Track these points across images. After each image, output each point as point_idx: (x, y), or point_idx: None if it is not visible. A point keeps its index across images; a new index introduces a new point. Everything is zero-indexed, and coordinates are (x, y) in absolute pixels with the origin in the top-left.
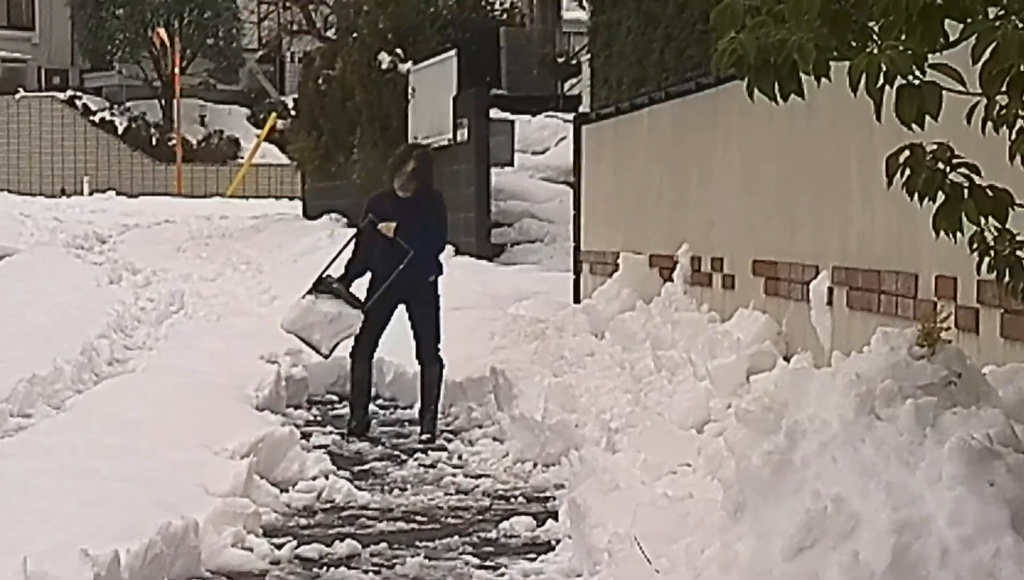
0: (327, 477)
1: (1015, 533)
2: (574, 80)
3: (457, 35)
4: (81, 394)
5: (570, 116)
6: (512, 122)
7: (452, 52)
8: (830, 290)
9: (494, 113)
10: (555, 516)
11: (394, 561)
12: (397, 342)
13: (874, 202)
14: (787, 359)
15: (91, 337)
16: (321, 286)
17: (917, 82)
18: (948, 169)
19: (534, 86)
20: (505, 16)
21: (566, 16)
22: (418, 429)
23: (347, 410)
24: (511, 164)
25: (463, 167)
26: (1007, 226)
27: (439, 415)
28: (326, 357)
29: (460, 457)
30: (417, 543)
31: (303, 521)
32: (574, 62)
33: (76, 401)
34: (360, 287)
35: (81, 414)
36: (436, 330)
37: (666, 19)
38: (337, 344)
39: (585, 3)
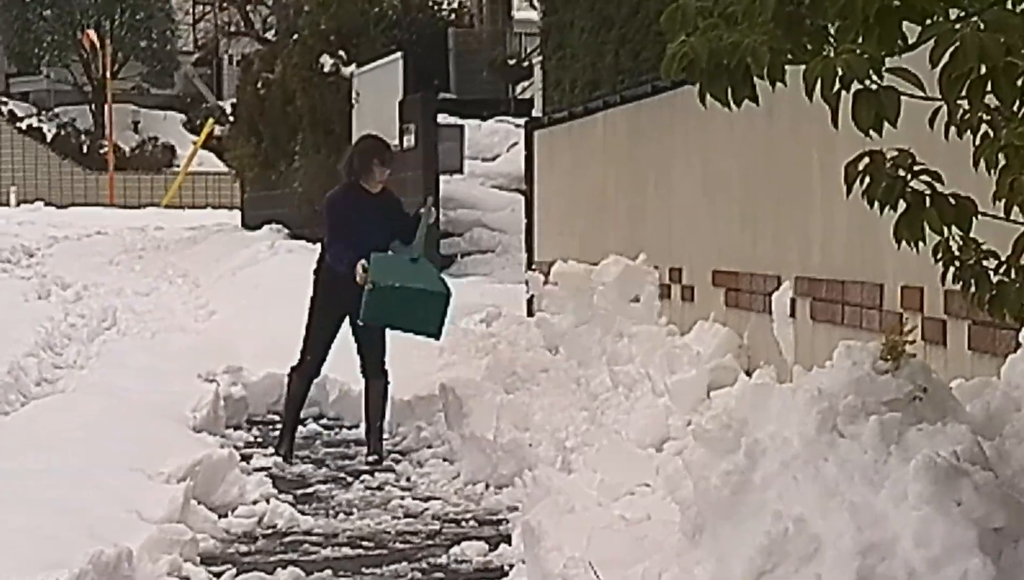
0: (268, 501)
1: (983, 554)
2: (525, 83)
3: (403, 36)
4: (7, 416)
5: (522, 121)
6: (461, 127)
7: (398, 54)
8: (793, 301)
9: (442, 118)
10: (508, 540)
11: None
12: (340, 358)
13: (836, 210)
14: (749, 374)
15: (18, 356)
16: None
17: (874, 87)
18: (909, 176)
19: (484, 89)
20: (453, 16)
21: (517, 16)
22: (364, 450)
23: None
24: (460, 171)
25: (410, 174)
26: (971, 235)
27: (385, 434)
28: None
29: (408, 479)
30: (363, 570)
31: (243, 548)
32: (525, 64)
33: (2, 423)
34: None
35: (6, 437)
36: (382, 342)
37: (620, 20)
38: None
39: (536, 3)
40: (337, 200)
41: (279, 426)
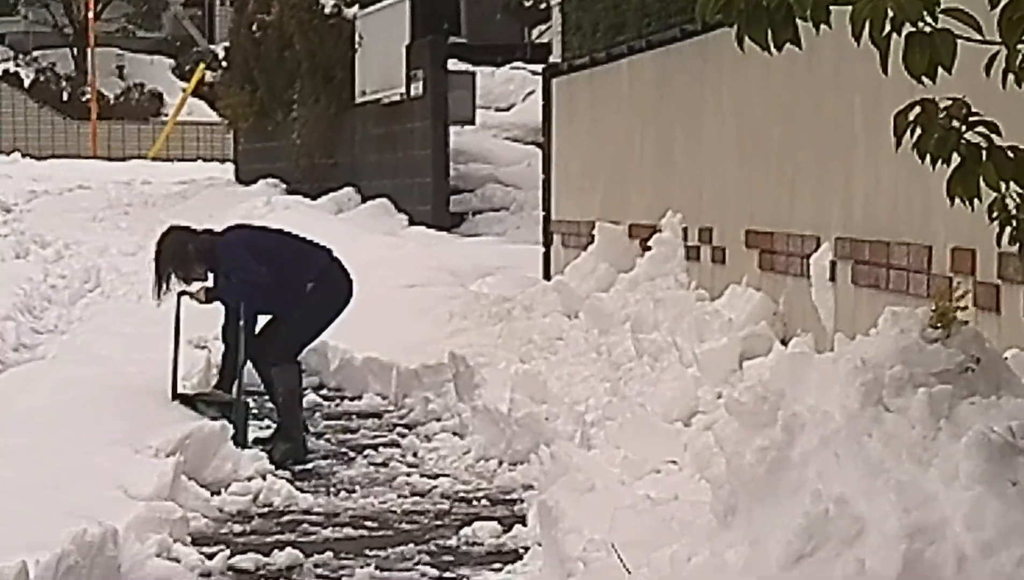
0: (264, 477)
1: None
2: (543, 27)
3: None
4: None
5: (539, 68)
6: (473, 74)
7: None
8: (833, 264)
9: (452, 64)
10: (523, 521)
11: (341, 572)
12: (341, 323)
13: (881, 165)
14: (784, 343)
15: None
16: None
17: (928, 30)
18: (964, 128)
19: (498, 34)
20: None
21: None
22: (367, 422)
23: None
24: (472, 122)
25: (417, 125)
26: None
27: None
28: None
29: (415, 454)
30: (367, 552)
31: (237, 527)
32: (543, 6)
33: None
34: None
35: None
36: (309, 328)
37: None
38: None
39: None
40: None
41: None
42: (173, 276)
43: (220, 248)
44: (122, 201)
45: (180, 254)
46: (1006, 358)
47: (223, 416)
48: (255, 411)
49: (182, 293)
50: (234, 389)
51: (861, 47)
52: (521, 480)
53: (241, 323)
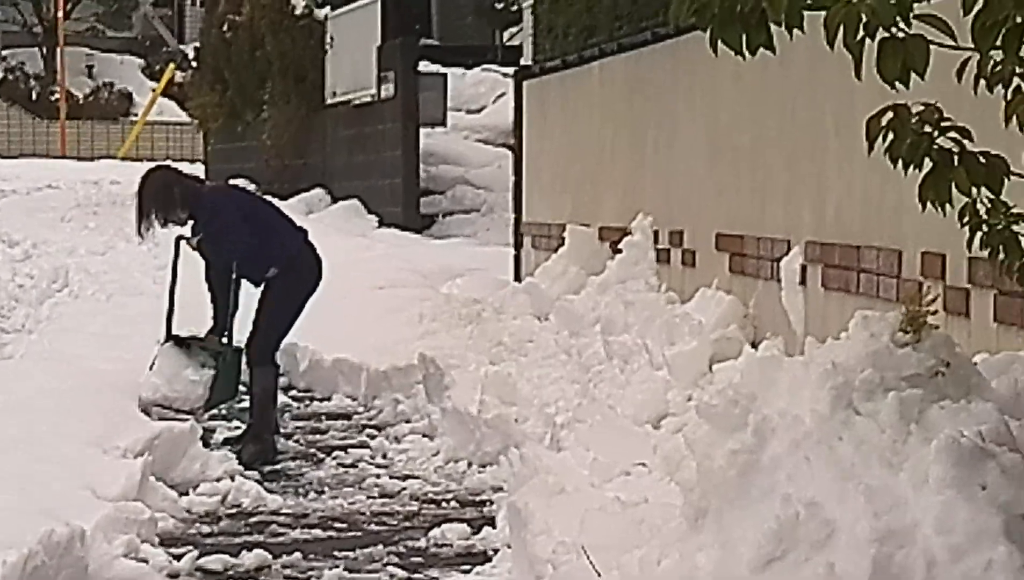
0: (233, 478)
1: (1009, 542)
2: (514, 29)
3: None
4: None
5: (510, 70)
6: (444, 76)
7: None
8: (803, 268)
9: (423, 66)
10: (492, 523)
11: (309, 573)
12: (311, 324)
13: (853, 169)
14: (755, 346)
15: None
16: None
17: (901, 35)
18: (936, 133)
19: (469, 35)
20: None
21: None
22: (337, 423)
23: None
24: (443, 124)
25: (388, 127)
26: (1001, 197)
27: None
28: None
29: (385, 455)
30: (335, 553)
31: (205, 528)
32: (514, 8)
33: None
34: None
35: None
36: (279, 323)
37: None
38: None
39: None
40: None
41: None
42: (154, 216)
43: (207, 200)
44: (91, 201)
45: (163, 195)
46: (976, 362)
47: (213, 363)
48: (224, 412)
49: (180, 237)
50: (224, 338)
51: (834, 52)
52: (490, 482)
53: (233, 276)
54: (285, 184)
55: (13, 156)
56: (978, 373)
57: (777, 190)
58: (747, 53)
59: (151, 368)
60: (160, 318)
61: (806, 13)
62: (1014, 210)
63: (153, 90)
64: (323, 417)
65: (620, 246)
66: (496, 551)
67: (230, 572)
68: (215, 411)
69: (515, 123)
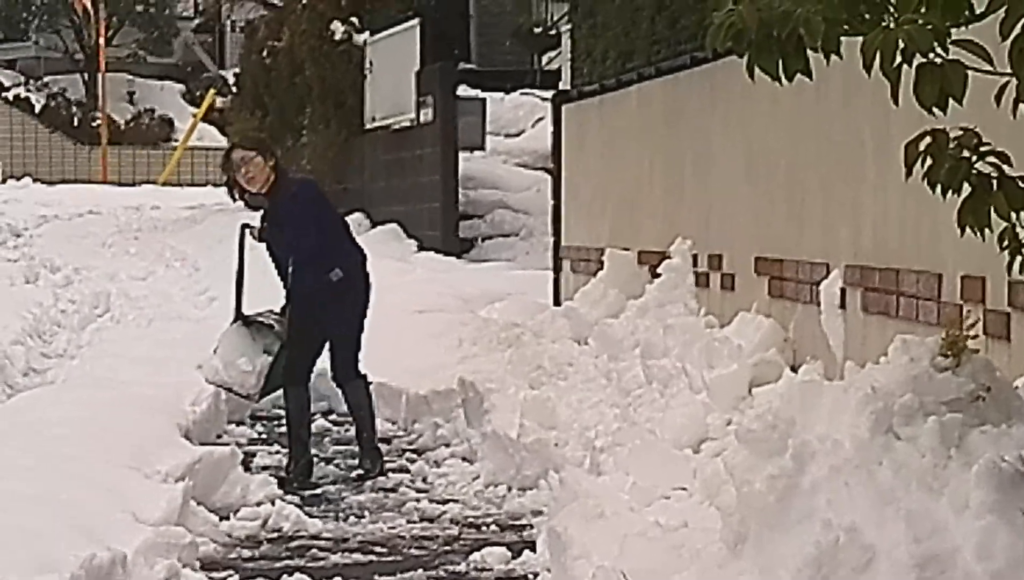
0: (273, 503)
1: None
2: (553, 53)
3: (421, 2)
4: None
5: (548, 94)
6: (483, 100)
7: (415, 21)
8: (843, 291)
9: (462, 90)
10: (532, 547)
11: None
12: None
13: (891, 193)
14: (794, 370)
15: (4, 343)
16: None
17: (939, 61)
18: (975, 158)
19: (508, 60)
20: None
21: None
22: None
23: None
24: (482, 148)
25: (427, 151)
26: None
27: (395, 431)
28: (257, 401)
29: (425, 480)
30: (376, 578)
31: (246, 552)
32: (553, 33)
33: None
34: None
35: None
36: (350, 340)
37: None
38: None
39: None
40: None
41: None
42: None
43: (292, 184)
44: (132, 226)
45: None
46: (1016, 387)
47: (276, 349)
48: (264, 436)
49: (245, 225)
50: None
51: (871, 77)
52: (530, 506)
53: (290, 270)
54: None
55: (55, 181)
56: (1019, 397)
57: (815, 214)
58: (784, 79)
59: (215, 351)
60: (199, 343)
61: (843, 39)
62: None
63: (194, 116)
64: None
65: (659, 270)
66: (536, 575)
67: None
68: (255, 435)
69: (553, 147)
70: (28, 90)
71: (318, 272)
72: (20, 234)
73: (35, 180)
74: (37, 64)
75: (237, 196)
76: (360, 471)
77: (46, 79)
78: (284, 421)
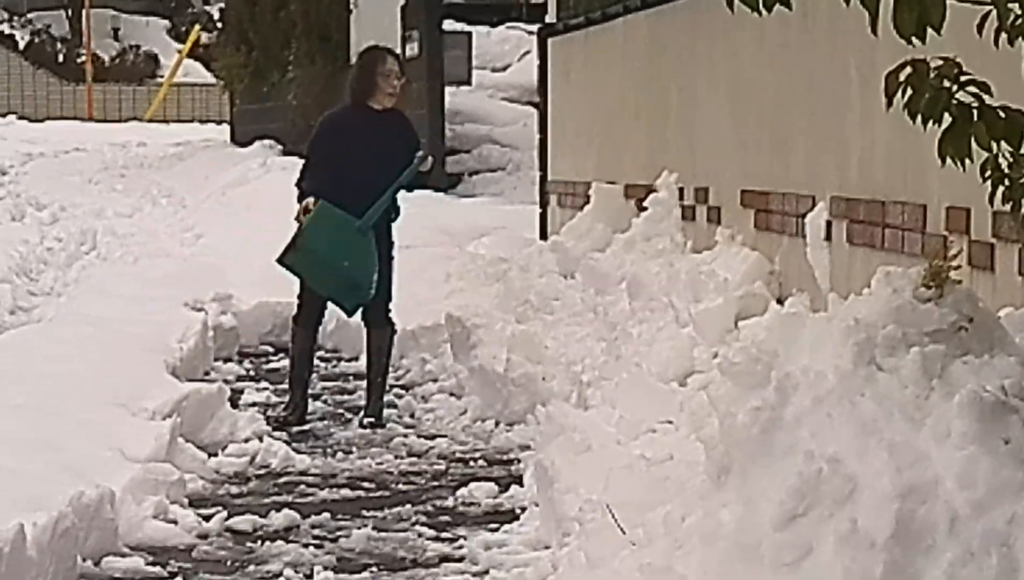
0: (261, 439)
1: None
2: None
3: None
4: None
5: (535, 27)
6: (469, 34)
7: None
8: (828, 224)
9: (448, 24)
10: (519, 481)
11: (338, 533)
12: None
13: (876, 125)
14: (780, 302)
15: None
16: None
17: None
18: (955, 88)
19: None
20: None
21: None
22: (364, 383)
23: (284, 363)
24: (468, 82)
25: (413, 86)
26: (1022, 151)
27: (386, 390)
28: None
29: (412, 415)
30: (364, 513)
31: (234, 489)
32: None
33: None
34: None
35: None
36: (389, 285)
37: None
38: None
39: None
40: (326, 121)
41: (272, 358)
42: (391, 76)
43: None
44: (118, 163)
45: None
46: (999, 317)
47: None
48: (251, 373)
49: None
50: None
51: (852, 8)
52: (517, 440)
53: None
54: None
55: (40, 119)
56: (1002, 328)
57: (800, 146)
58: (763, 10)
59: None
60: (186, 280)
61: None
62: None
63: (179, 52)
64: (350, 377)
65: (645, 204)
66: (523, 509)
67: (259, 532)
68: (242, 372)
69: (540, 81)
70: (12, 27)
71: (395, 202)
72: (5, 172)
73: (20, 117)
74: (21, 0)
75: (359, 98)
76: (370, 419)
77: (30, 15)
78: (280, 359)
